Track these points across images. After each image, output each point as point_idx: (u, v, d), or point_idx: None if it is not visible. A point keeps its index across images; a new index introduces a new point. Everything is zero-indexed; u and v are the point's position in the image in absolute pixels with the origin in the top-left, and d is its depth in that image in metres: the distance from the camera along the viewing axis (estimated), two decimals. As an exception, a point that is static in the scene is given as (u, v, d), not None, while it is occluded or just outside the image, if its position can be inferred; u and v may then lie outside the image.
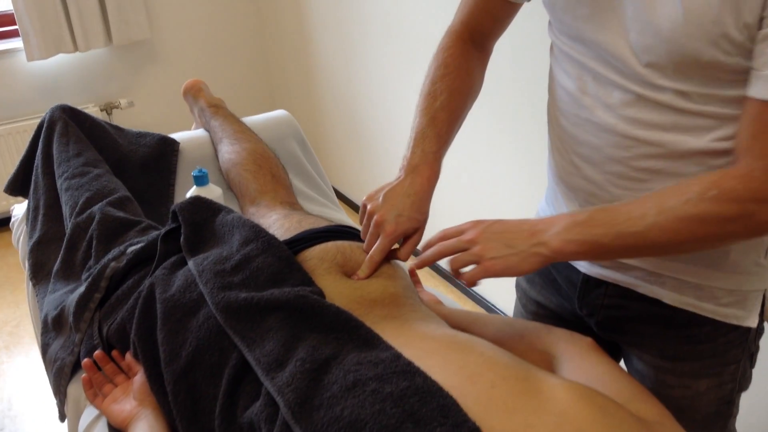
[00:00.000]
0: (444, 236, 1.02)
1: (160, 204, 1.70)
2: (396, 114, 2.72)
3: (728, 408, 1.12)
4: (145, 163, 1.72)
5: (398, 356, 0.88)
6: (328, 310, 0.98)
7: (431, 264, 1.03)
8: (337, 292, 1.06)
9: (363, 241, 1.14)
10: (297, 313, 0.99)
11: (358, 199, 2.99)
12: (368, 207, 1.12)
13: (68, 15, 3.18)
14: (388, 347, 0.91)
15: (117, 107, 3.45)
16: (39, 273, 1.53)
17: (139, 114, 3.53)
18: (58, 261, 1.47)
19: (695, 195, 0.85)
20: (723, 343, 1.05)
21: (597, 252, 0.92)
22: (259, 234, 1.14)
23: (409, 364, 0.86)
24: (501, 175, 2.05)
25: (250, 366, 0.96)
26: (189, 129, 2.00)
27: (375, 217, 1.09)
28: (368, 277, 1.10)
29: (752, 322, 1.04)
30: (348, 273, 1.13)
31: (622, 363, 1.20)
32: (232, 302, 1.02)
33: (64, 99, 3.36)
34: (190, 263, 1.14)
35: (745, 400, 1.15)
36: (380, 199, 1.10)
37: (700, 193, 0.85)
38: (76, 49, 3.26)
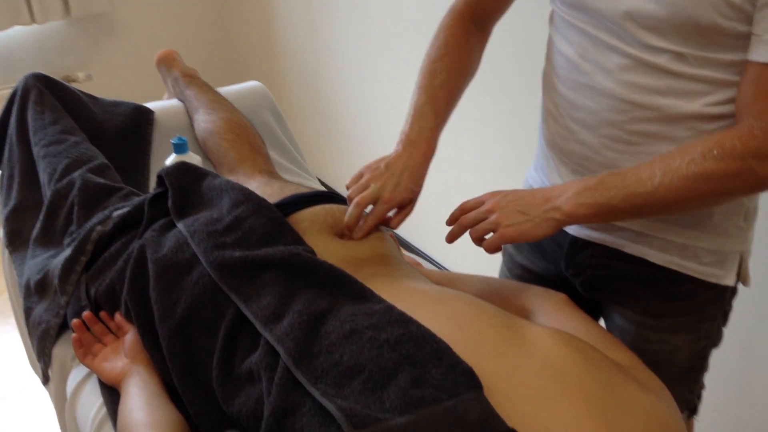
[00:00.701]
0: (463, 209, 1.09)
1: (136, 173, 1.71)
2: (366, 87, 2.75)
3: (701, 363, 1.19)
4: (120, 132, 1.72)
5: (391, 307, 0.93)
6: (322, 267, 1.02)
7: (459, 237, 1.09)
8: (327, 251, 1.10)
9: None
10: (291, 269, 1.02)
11: (323, 174, 3.01)
12: (365, 175, 1.16)
13: (25, -14, 3.12)
14: (381, 300, 0.96)
15: (75, 81, 3.39)
16: (16, 240, 1.53)
17: (97, 87, 3.46)
18: (36, 227, 1.47)
19: (699, 155, 0.91)
20: (701, 300, 1.12)
21: (608, 214, 0.98)
22: (249, 196, 1.18)
23: (402, 314, 0.91)
24: (486, 147, 2.10)
25: (246, 320, 0.99)
26: (151, 101, 2.00)
27: (375, 183, 1.13)
28: (360, 239, 1.15)
29: (730, 281, 1.11)
30: (338, 234, 1.17)
31: (601, 321, 1.27)
32: (227, 260, 1.05)
33: (21, 72, 3.26)
34: (180, 225, 1.17)
35: (715, 356, 1.23)
36: (381, 167, 1.15)
37: (703, 153, 0.91)
38: (33, 21, 3.19)
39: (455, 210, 1.10)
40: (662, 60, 0.95)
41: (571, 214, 0.99)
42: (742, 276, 1.14)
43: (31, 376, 2.10)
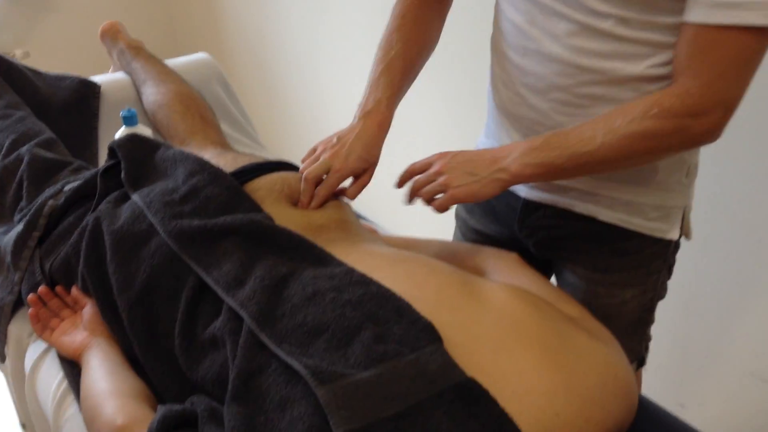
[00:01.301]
0: (412, 170, 1.11)
1: (84, 147, 1.69)
2: (315, 57, 2.74)
3: (648, 315, 1.25)
4: (66, 107, 1.69)
5: (352, 270, 0.95)
6: (282, 233, 1.03)
7: (412, 199, 1.13)
8: (285, 218, 1.11)
9: None
10: (251, 236, 1.03)
11: (274, 145, 3.00)
12: (318, 149, 1.17)
13: (-45, -40, 3.00)
14: (341, 263, 0.98)
15: (12, 58, 3.29)
16: (-38, 218, 1.50)
17: (35, 64, 3.34)
18: (-16, 204, 1.45)
19: (638, 114, 0.96)
20: (648, 255, 1.17)
21: (553, 173, 1.02)
22: (204, 166, 1.18)
23: (363, 275, 0.93)
24: (435, 115, 2.12)
25: (206, 288, 1.00)
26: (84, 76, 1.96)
27: (326, 154, 1.15)
28: (315, 209, 1.16)
29: (674, 235, 1.16)
30: (294, 202, 1.18)
31: (553, 279, 1.32)
32: (185, 229, 1.05)
33: (-47, 49, 3.18)
34: (135, 196, 1.16)
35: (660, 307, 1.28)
36: (334, 140, 1.16)
37: (642, 112, 0.95)
38: (-35, -4, 3.08)
39: (404, 172, 1.13)
40: (607, 24, 0.99)
41: (517, 174, 1.03)
42: (684, 230, 1.19)
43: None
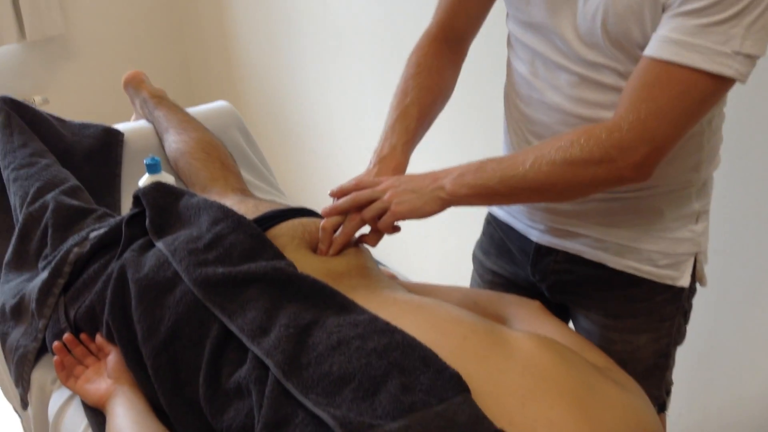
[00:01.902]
0: (358, 186, 1.12)
1: (107, 194, 1.71)
2: (329, 103, 2.78)
3: (665, 360, 1.24)
4: (89, 154, 1.72)
5: (375, 318, 0.95)
6: (305, 281, 1.04)
7: (343, 212, 1.13)
8: (307, 265, 1.11)
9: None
10: (275, 284, 1.04)
11: (292, 191, 3.03)
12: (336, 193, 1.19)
13: (-22, 10, 3.08)
14: (364, 311, 0.98)
15: (31, 104, 3.35)
16: (-15, 266, 1.51)
17: (53, 111, 3.41)
18: (9, 252, 1.46)
19: (567, 142, 0.97)
20: (659, 301, 1.18)
21: (486, 195, 1.04)
22: (228, 213, 1.19)
23: (387, 323, 0.93)
24: (451, 159, 2.12)
25: (231, 335, 1.00)
26: (107, 123, 1.99)
27: (341, 201, 1.15)
28: (335, 254, 1.17)
29: (685, 282, 1.16)
30: (314, 248, 1.19)
31: (570, 324, 1.32)
32: (210, 277, 1.06)
33: (-24, 96, 3.24)
34: (159, 244, 1.18)
35: (681, 353, 1.28)
36: (351, 186, 1.17)
37: (571, 141, 0.97)
38: (-13, 44, 3.16)
39: (349, 183, 1.14)
40: (605, 77, 1.01)
41: (453, 193, 1.05)
42: (698, 276, 1.19)
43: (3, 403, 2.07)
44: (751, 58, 0.90)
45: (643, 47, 0.95)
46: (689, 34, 0.89)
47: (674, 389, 1.32)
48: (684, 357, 1.29)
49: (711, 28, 0.88)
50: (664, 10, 0.92)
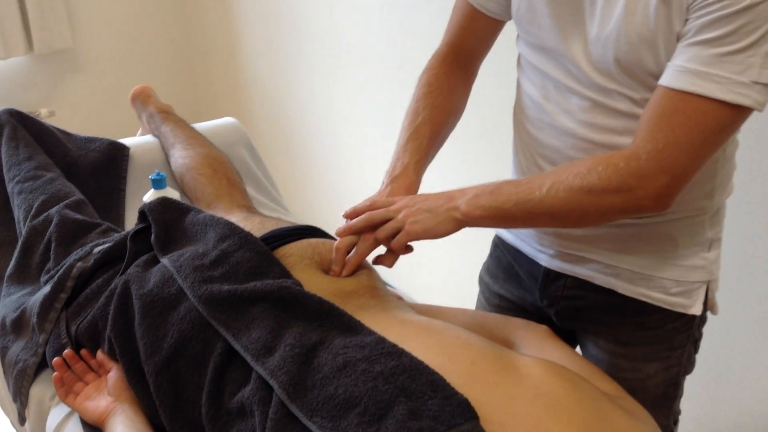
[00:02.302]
0: (372, 206, 1.11)
1: (111, 209, 1.70)
2: (334, 121, 2.78)
3: (674, 390, 1.22)
4: (95, 168, 1.71)
5: (383, 339, 0.93)
6: (311, 300, 1.02)
7: (357, 232, 1.12)
8: (314, 284, 1.10)
9: (335, 239, 1.19)
10: (281, 303, 1.03)
11: (296, 208, 3.02)
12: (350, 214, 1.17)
13: (-13, 23, 3.10)
14: (371, 332, 0.96)
15: (37, 116, 3.36)
16: (-13, 278, 1.50)
17: (60, 124, 3.40)
18: (11, 265, 1.45)
19: (585, 169, 0.96)
20: (670, 329, 1.16)
21: (501, 217, 1.03)
22: (234, 230, 1.18)
23: (394, 346, 0.91)
24: (458, 183, 2.12)
25: (235, 354, 0.99)
26: (113, 137, 1.99)
27: (356, 221, 1.14)
28: (348, 275, 1.15)
29: (696, 310, 1.15)
30: (324, 269, 1.17)
31: (578, 349, 1.30)
32: (215, 294, 1.05)
33: (-18, 107, 3.24)
34: (165, 260, 1.16)
35: (689, 382, 1.26)
36: (365, 207, 1.15)
37: (589, 168, 0.96)
38: (-5, 57, 3.17)
39: (363, 204, 1.13)
40: (618, 103, 1.01)
41: (468, 214, 1.04)
42: (709, 305, 1.18)
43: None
44: None
45: (656, 75, 0.95)
46: (706, 64, 0.88)
47: (680, 418, 1.30)
48: (690, 385, 1.27)
49: (728, 57, 0.87)
50: (678, 39, 0.92)
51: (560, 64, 1.06)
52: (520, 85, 1.18)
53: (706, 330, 1.22)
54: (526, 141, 1.17)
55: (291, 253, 1.17)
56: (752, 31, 0.86)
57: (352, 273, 1.14)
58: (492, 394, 0.85)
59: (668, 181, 0.93)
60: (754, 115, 0.94)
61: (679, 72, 0.90)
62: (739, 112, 0.90)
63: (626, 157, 0.94)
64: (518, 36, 1.15)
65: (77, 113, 3.51)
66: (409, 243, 1.09)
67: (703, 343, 1.23)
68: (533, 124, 1.14)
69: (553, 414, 0.83)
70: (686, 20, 0.90)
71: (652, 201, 0.94)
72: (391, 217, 1.08)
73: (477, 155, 2.13)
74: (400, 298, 1.36)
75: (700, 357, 1.24)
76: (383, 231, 1.09)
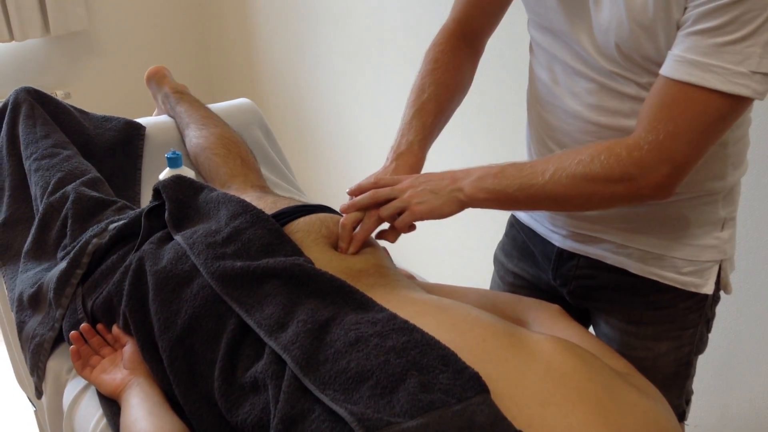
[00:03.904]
0: (377, 184, 1.12)
1: (127, 187, 1.71)
2: (348, 103, 2.78)
3: (686, 369, 1.22)
4: (111, 147, 1.73)
5: (394, 316, 0.94)
6: (323, 277, 1.03)
7: (362, 209, 1.13)
8: (325, 262, 1.11)
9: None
10: (293, 279, 1.03)
11: (310, 190, 3.03)
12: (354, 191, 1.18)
13: (5, 3, 3.11)
14: (383, 309, 0.97)
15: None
16: (5, 254, 1.52)
17: (75, 105, 3.47)
18: (28, 241, 1.47)
19: (587, 157, 0.97)
20: (682, 308, 1.16)
21: (504, 200, 1.04)
22: (247, 208, 1.19)
23: (406, 322, 0.92)
24: (465, 160, 2.13)
25: (248, 330, 1.00)
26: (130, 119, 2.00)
27: (361, 197, 1.15)
28: (353, 253, 1.16)
29: (708, 290, 1.15)
30: (333, 245, 1.18)
31: (590, 329, 1.30)
32: (228, 270, 1.06)
33: (-1, 89, 3.27)
34: (178, 237, 1.18)
35: (701, 362, 1.26)
36: (371, 180, 1.16)
37: (592, 156, 0.97)
38: (12, 38, 3.18)
39: (368, 181, 1.14)
40: (624, 87, 1.01)
41: (471, 196, 1.05)
42: (722, 284, 1.18)
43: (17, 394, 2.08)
44: None
45: (657, 62, 0.95)
46: (705, 54, 0.89)
47: (693, 398, 1.30)
48: (703, 366, 1.27)
49: (726, 48, 0.87)
50: (678, 27, 0.92)
51: (567, 46, 1.06)
52: (532, 70, 1.18)
53: (718, 309, 1.22)
54: (537, 124, 1.18)
55: (299, 229, 1.18)
56: (750, 21, 0.86)
57: (359, 249, 1.14)
58: (503, 369, 0.86)
59: (669, 170, 0.93)
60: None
61: (679, 62, 0.90)
62: (738, 102, 0.90)
63: (628, 146, 0.95)
64: (528, 19, 1.14)
65: (93, 95, 3.53)
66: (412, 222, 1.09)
67: (715, 323, 1.22)
68: (543, 108, 1.14)
69: (563, 389, 0.83)
70: (685, 8, 0.90)
71: (654, 190, 0.95)
72: (396, 196, 1.09)
73: (489, 135, 2.13)
74: (411, 277, 1.37)
75: (711, 336, 1.24)
76: (387, 209, 1.10)
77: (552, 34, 1.08)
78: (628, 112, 1.02)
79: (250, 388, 0.95)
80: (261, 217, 1.17)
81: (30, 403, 1.75)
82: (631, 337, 1.19)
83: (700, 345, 1.22)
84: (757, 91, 0.89)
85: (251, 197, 1.48)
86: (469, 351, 0.87)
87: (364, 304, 0.99)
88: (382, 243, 1.20)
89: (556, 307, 1.15)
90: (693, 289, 1.14)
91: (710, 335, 1.23)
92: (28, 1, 3.14)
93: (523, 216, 1.31)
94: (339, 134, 2.88)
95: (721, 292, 1.19)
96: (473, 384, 0.81)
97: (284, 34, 3.05)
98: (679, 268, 1.13)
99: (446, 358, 0.85)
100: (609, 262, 1.16)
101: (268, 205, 1.37)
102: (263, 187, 1.63)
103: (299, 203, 1.34)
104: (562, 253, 1.21)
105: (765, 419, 1.67)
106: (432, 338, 0.88)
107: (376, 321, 0.93)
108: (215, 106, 1.91)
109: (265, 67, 3.27)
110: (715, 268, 1.15)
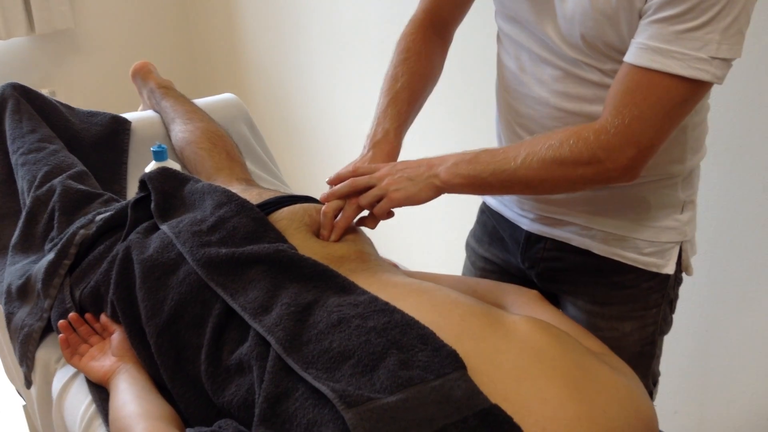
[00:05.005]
0: (355, 172, 1.16)
1: (113, 181, 1.73)
2: (333, 98, 2.80)
3: (651, 348, 1.26)
4: (97, 142, 1.74)
5: (375, 298, 0.97)
6: (306, 262, 1.06)
7: (342, 197, 1.16)
8: (308, 248, 1.13)
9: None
10: (277, 265, 1.06)
11: (295, 184, 3.04)
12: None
13: (-11, 2, 3.11)
14: (365, 292, 1.00)
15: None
16: (-7, 248, 1.54)
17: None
18: (16, 234, 1.48)
19: (557, 141, 1.01)
20: (645, 288, 1.20)
21: (478, 185, 1.08)
22: (231, 198, 1.21)
23: (386, 303, 0.95)
24: (441, 148, 2.15)
25: (233, 314, 1.02)
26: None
27: (340, 186, 1.18)
28: (335, 240, 1.19)
29: (670, 270, 1.19)
30: (315, 232, 1.21)
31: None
32: (213, 257, 1.08)
33: (-16, 87, 3.26)
34: (164, 227, 1.20)
35: (675, 350, 1.30)
36: (350, 168, 1.19)
37: (561, 141, 1.01)
38: (-4, 36, 3.19)
39: (346, 170, 1.17)
40: (588, 74, 1.05)
41: (447, 182, 1.08)
42: (683, 265, 1.22)
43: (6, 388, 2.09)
44: (728, 62, 0.94)
45: (620, 50, 0.99)
46: (666, 41, 0.92)
47: (669, 386, 1.33)
48: (679, 353, 1.31)
49: (687, 34, 0.91)
50: (640, 16, 0.96)
51: (533, 35, 1.10)
52: (500, 58, 1.21)
53: (690, 295, 1.25)
54: (505, 111, 1.21)
55: (282, 217, 1.20)
56: (709, 8, 0.90)
57: (341, 236, 1.17)
58: (480, 347, 0.89)
59: (635, 153, 0.97)
60: (731, 79, 0.97)
61: (641, 49, 0.94)
62: (699, 87, 0.95)
63: (596, 130, 0.99)
64: (496, 10, 1.18)
65: (78, 93, 3.53)
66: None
67: (688, 309, 1.26)
68: (511, 95, 1.18)
69: (538, 365, 0.86)
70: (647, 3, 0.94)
71: (620, 172, 0.99)
72: (374, 184, 1.12)
73: (463, 123, 2.16)
74: (395, 266, 1.39)
75: (684, 323, 1.27)
76: (366, 197, 1.13)
77: (518, 24, 1.12)
78: (592, 98, 1.06)
79: (236, 370, 0.97)
80: (246, 206, 1.19)
81: (20, 396, 1.77)
82: (597, 318, 1.23)
83: (663, 325, 1.26)
84: (717, 75, 0.93)
85: (237, 190, 1.49)
86: (447, 330, 0.90)
87: (346, 287, 1.02)
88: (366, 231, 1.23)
89: (534, 292, 1.18)
90: (654, 270, 1.18)
91: (682, 323, 1.26)
92: (12, 0, 3.14)
93: (492, 202, 1.34)
94: (323, 128, 2.90)
95: (684, 274, 1.23)
96: (451, 361, 0.84)
97: (268, 30, 3.06)
98: (641, 249, 1.16)
99: (425, 337, 0.88)
100: (574, 243, 1.20)
101: (253, 197, 1.39)
102: (248, 180, 1.66)
103: (284, 194, 1.36)
104: (530, 236, 1.25)
105: (743, 404, 1.71)
106: (412, 319, 0.91)
107: (357, 303, 0.96)
108: (200, 101, 1.93)
109: (249, 63, 3.28)
110: (676, 249, 1.19)
